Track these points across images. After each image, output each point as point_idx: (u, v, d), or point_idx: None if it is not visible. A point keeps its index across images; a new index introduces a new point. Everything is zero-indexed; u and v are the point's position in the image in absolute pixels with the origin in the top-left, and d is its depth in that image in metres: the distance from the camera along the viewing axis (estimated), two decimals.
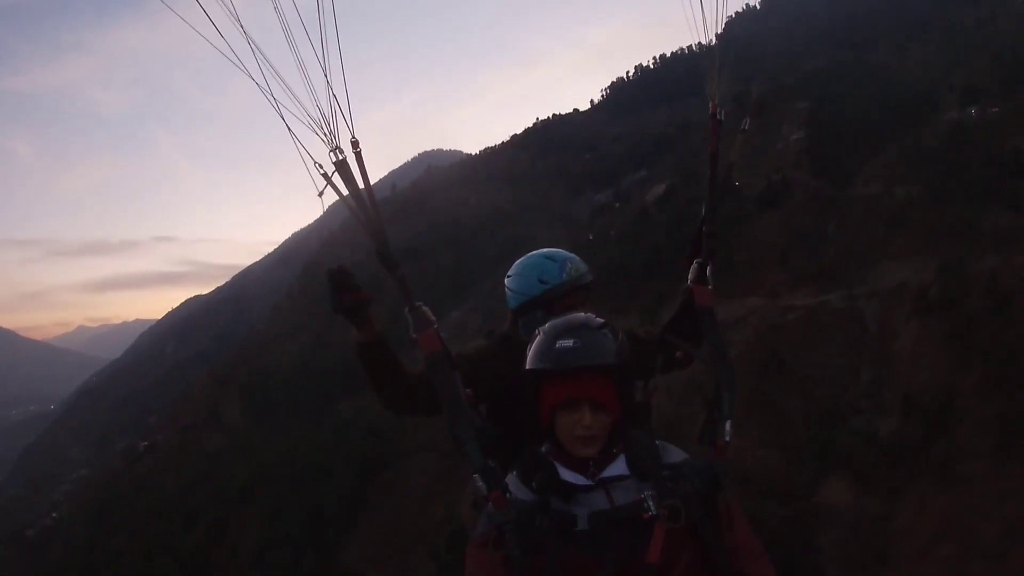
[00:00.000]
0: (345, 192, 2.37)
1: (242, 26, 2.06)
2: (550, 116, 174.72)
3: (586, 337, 2.11)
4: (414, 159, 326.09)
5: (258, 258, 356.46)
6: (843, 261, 53.26)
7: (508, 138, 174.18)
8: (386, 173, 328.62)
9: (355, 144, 2.31)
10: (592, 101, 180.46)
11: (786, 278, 54.28)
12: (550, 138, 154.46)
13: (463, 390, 2.40)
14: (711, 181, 2.95)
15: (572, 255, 3.16)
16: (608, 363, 2.08)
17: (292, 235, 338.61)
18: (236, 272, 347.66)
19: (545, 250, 3.22)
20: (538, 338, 2.19)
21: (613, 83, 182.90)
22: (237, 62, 2.07)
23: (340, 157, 2.31)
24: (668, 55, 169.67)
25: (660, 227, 69.45)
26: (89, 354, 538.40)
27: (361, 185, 2.40)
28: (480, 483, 2.14)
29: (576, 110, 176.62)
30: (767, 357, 46.96)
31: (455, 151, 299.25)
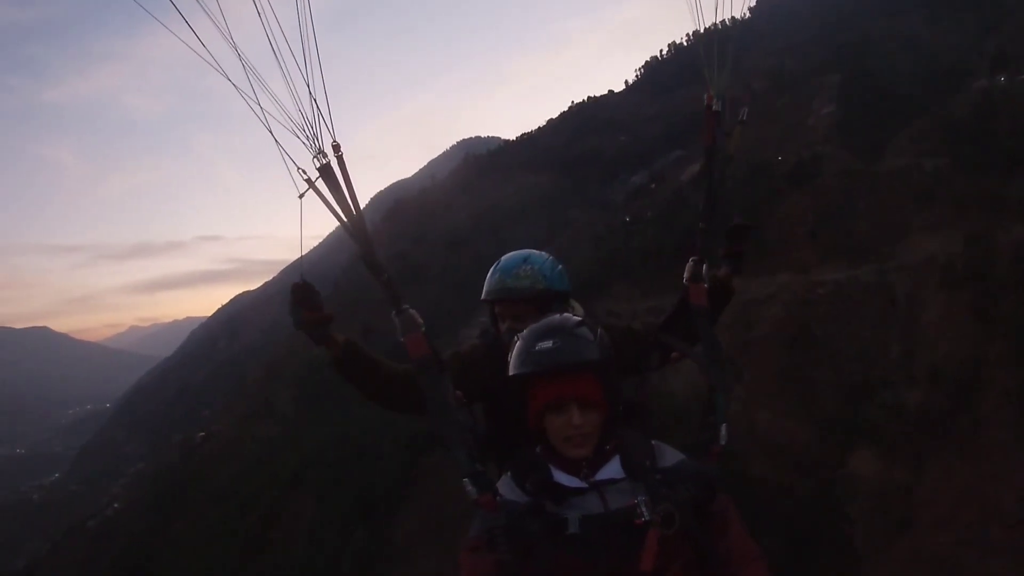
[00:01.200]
0: (330, 197, 2.36)
1: (230, 35, 2.07)
2: (585, 99, 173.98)
3: (565, 337, 2.13)
4: (452, 148, 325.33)
5: (303, 252, 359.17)
6: (873, 235, 53.42)
7: (544, 123, 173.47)
8: (425, 164, 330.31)
9: (336, 148, 2.29)
10: (627, 81, 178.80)
11: (816, 254, 54.64)
12: (586, 121, 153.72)
13: (452, 392, 2.36)
14: (708, 176, 2.86)
15: (519, 267, 3.10)
16: (591, 359, 2.10)
17: (336, 227, 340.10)
18: (282, 267, 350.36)
19: (515, 252, 3.23)
20: (517, 344, 2.21)
21: (647, 62, 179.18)
22: (216, 65, 2.07)
23: (324, 162, 2.29)
24: (701, 31, 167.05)
25: (694, 207, 69.64)
26: (142, 353, 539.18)
27: (346, 190, 2.36)
28: (469, 487, 2.14)
29: (611, 91, 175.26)
30: (797, 332, 47.81)
31: (493, 137, 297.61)
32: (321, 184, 2.30)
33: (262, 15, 2.05)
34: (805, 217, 57.81)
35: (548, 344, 2.10)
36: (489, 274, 3.15)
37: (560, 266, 3.16)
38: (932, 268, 47.47)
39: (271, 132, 2.16)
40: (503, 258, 3.18)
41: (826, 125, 74.54)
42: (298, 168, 2.25)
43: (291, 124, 2.20)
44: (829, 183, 61.10)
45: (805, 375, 45.53)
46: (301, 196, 2.27)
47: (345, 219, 2.38)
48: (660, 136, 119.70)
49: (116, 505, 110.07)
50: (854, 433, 41.98)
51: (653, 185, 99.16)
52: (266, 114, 2.15)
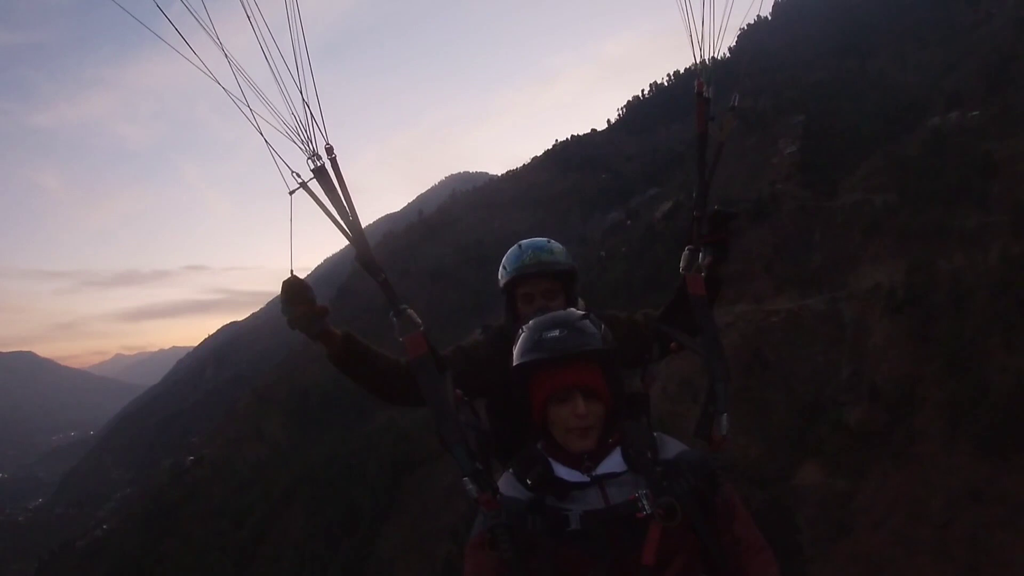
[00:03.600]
0: (325, 199, 2.24)
1: (218, 38, 2.00)
2: (568, 137, 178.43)
3: (571, 327, 2.11)
4: (441, 183, 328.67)
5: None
6: (825, 267, 56.80)
7: (529, 160, 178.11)
8: (414, 198, 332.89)
9: (330, 150, 2.21)
10: (609, 121, 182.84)
11: (770, 285, 57.63)
12: (569, 159, 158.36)
13: (452, 391, 2.31)
14: (699, 163, 2.71)
15: (548, 244, 3.07)
16: (596, 348, 2.08)
17: (324, 260, 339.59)
18: (270, 299, 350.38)
19: (531, 239, 3.19)
20: (523, 334, 2.19)
21: (629, 101, 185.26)
22: (207, 71, 2.03)
23: (318, 164, 2.21)
24: (682, 71, 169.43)
25: (664, 242, 72.31)
26: (127, 381, 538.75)
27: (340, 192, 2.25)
28: (469, 486, 2.07)
29: (594, 130, 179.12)
30: (751, 357, 50.90)
31: (481, 173, 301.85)
32: (316, 189, 2.25)
33: (252, 20, 2.05)
34: (763, 251, 60.73)
35: (555, 333, 2.10)
36: (515, 256, 3.07)
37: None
38: (877, 296, 50.91)
39: (262, 135, 2.14)
40: (523, 242, 3.14)
41: (788, 164, 77.07)
42: (292, 172, 2.21)
43: (284, 128, 2.16)
44: (786, 219, 64.02)
45: (758, 396, 48.46)
46: (292, 192, 2.23)
47: (341, 221, 2.29)
48: (639, 174, 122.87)
49: (105, 526, 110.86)
50: (802, 448, 45.19)
51: (629, 222, 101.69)
52: (257, 117, 2.12)
